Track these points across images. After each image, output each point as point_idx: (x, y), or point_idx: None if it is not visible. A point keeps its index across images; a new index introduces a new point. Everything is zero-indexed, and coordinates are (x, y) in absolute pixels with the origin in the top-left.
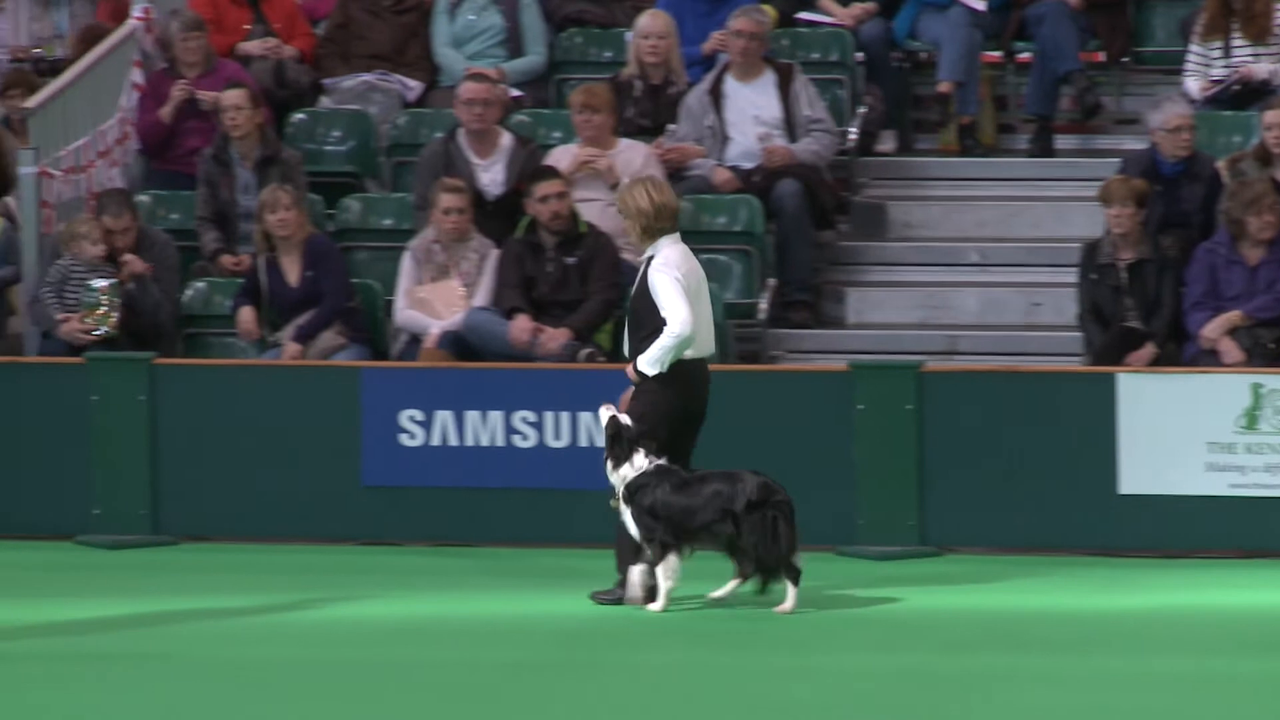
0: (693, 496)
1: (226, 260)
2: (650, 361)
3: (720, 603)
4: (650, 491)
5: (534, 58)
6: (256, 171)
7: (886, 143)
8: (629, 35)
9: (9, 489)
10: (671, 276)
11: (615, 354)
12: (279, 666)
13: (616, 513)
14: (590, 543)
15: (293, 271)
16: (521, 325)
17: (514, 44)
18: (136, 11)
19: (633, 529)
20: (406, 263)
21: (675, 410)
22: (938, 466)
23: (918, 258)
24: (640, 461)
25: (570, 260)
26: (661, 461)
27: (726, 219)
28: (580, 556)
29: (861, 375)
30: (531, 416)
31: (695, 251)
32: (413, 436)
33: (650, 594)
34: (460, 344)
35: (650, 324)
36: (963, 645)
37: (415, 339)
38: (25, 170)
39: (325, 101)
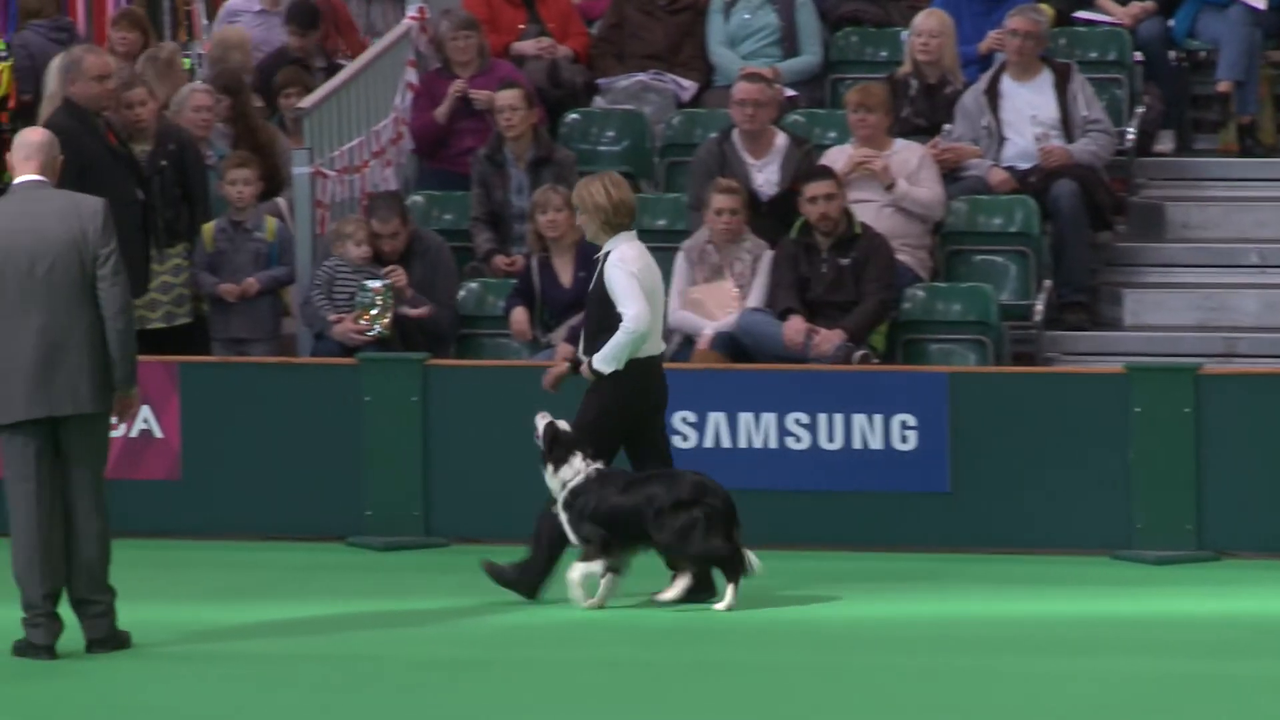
0: (632, 498)
1: (499, 261)
2: (605, 359)
3: (671, 604)
4: (591, 496)
5: (809, 57)
6: (530, 172)
7: (1165, 143)
8: (905, 34)
9: (282, 490)
10: (627, 272)
11: (889, 356)
12: (565, 667)
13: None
14: (862, 545)
15: (565, 272)
16: (795, 327)
17: (789, 43)
18: (411, 11)
19: (570, 534)
20: (680, 263)
21: (632, 408)
22: (1216, 470)
23: (1196, 259)
24: (578, 464)
25: (844, 261)
26: (599, 465)
27: (1002, 220)
28: (851, 559)
29: (1138, 378)
30: (805, 419)
31: (972, 253)
32: (685, 439)
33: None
34: (733, 345)
35: (605, 321)
36: (1239, 650)
37: (688, 340)
38: (299, 170)
39: (599, 101)
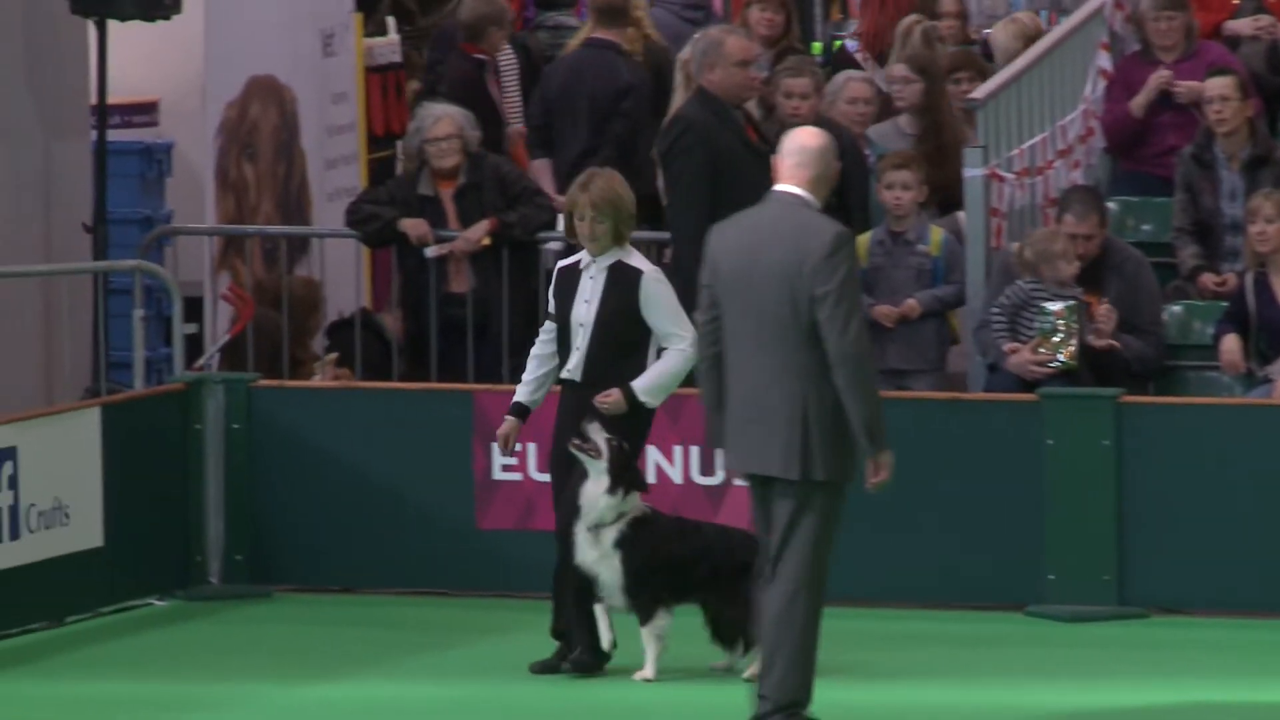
0: (688, 548)
1: (1207, 279)
2: (657, 390)
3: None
4: (651, 535)
5: None
6: (1245, 174)
7: None
8: None
9: (957, 549)
10: (670, 288)
11: None
12: None
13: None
14: None
15: None
16: None
17: None
18: None
19: (620, 573)
20: None
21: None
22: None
23: None
24: (636, 497)
25: None
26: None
27: None
28: None
29: None
30: None
31: None
32: None
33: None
34: None
35: (633, 342)
36: None
37: None
38: (971, 173)
39: None
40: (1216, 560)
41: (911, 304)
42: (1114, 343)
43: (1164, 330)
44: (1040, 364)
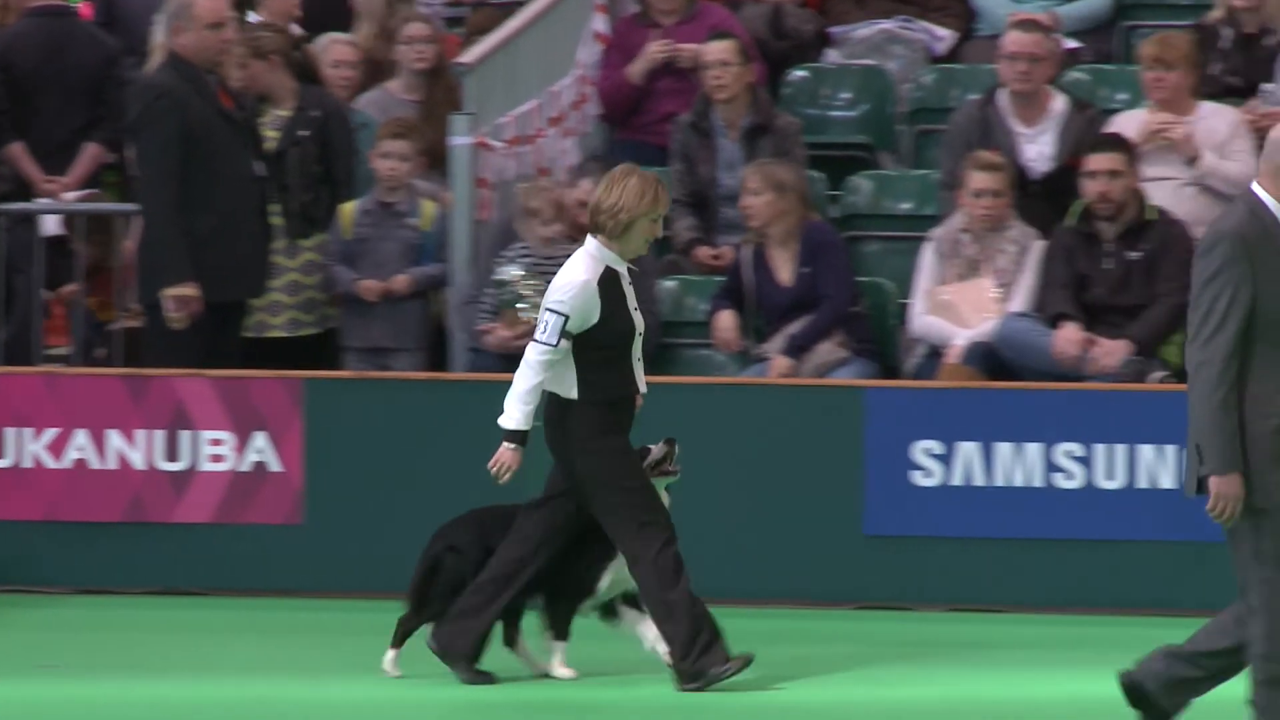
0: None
1: (703, 253)
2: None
3: None
4: None
5: (1096, 1)
6: (743, 143)
7: None
8: None
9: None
10: None
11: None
12: None
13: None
14: (1149, 608)
15: (785, 267)
16: (1070, 336)
17: None
18: None
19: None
20: (928, 257)
21: None
22: None
23: None
24: None
25: (1133, 255)
26: None
27: None
28: (1133, 625)
29: None
30: (1079, 450)
31: None
32: (929, 474)
33: None
34: (991, 359)
35: None
36: None
37: (935, 352)
38: (458, 141)
39: (832, 55)
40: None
41: (401, 280)
42: None
43: (659, 307)
44: (518, 338)
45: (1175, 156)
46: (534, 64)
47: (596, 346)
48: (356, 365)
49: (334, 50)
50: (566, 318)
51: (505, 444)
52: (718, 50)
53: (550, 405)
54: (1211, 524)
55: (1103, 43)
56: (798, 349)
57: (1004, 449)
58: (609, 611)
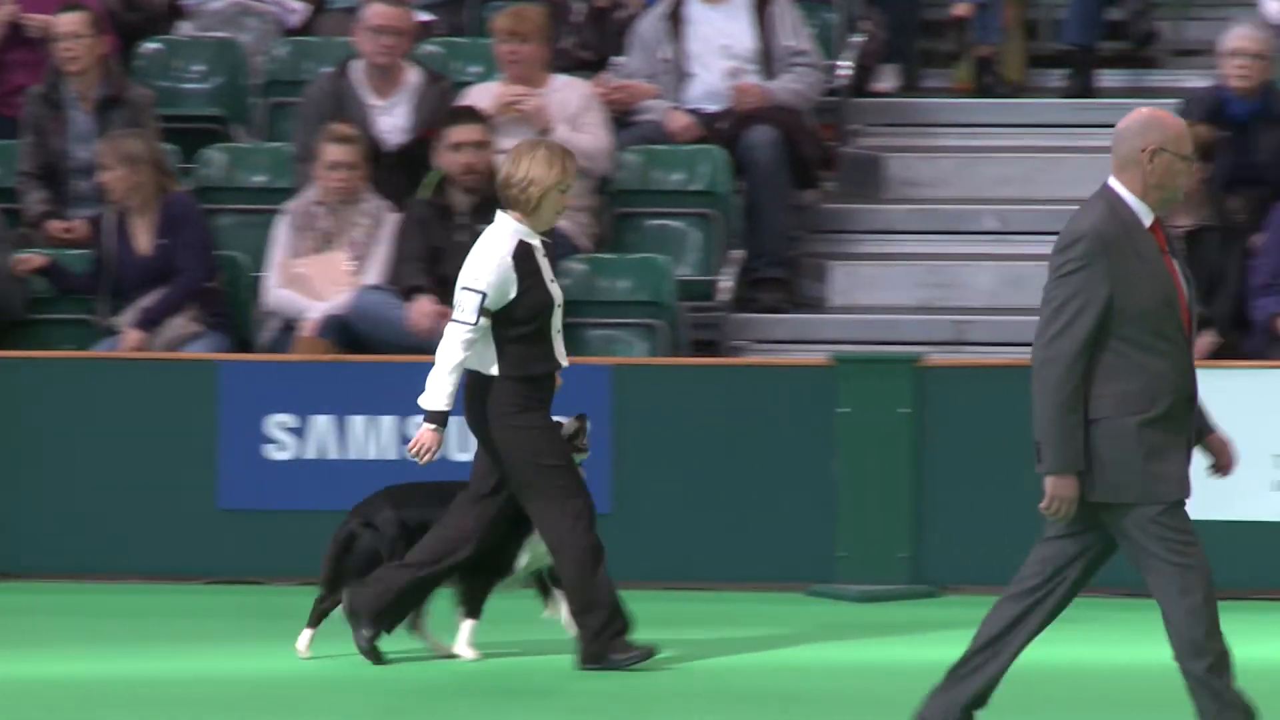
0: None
1: (55, 226)
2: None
3: None
4: None
5: None
6: (96, 115)
7: (886, 80)
8: None
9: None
10: None
11: None
12: None
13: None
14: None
15: (144, 238)
16: (423, 309)
17: None
18: None
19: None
20: (282, 230)
21: None
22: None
23: (921, 224)
24: None
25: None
26: None
27: (683, 175)
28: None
29: (847, 371)
30: None
31: (645, 217)
32: (283, 447)
33: None
34: (346, 332)
35: None
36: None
37: (290, 325)
38: None
39: (185, 28)
40: None
41: None
42: None
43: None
44: None
45: (528, 128)
46: None
47: (515, 321)
48: None
49: None
50: (484, 295)
51: (425, 425)
52: (69, 22)
53: (470, 382)
54: None
55: (455, 16)
56: (150, 322)
57: (357, 421)
58: (544, 590)
